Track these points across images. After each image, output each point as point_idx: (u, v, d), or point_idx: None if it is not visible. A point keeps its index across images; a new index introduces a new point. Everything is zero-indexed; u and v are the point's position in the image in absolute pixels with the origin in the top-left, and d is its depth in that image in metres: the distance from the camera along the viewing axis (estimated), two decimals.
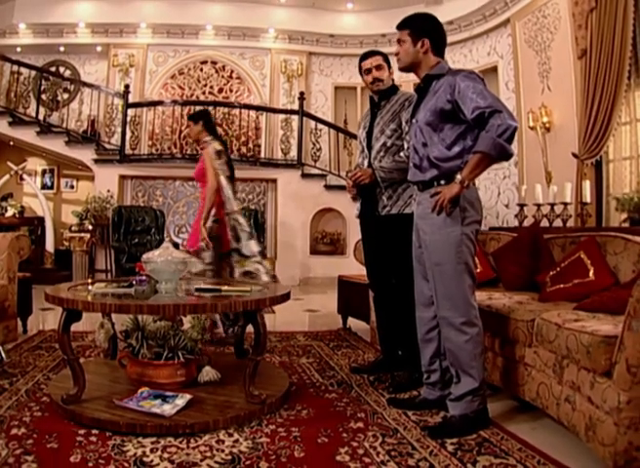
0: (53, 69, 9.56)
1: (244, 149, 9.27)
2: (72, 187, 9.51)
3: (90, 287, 3.10)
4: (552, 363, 2.35)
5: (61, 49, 9.44)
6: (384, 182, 3.17)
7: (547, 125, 6.76)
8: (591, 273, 2.81)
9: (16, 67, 8.73)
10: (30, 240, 8.53)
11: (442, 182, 2.49)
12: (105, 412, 2.44)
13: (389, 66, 3.34)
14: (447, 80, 2.49)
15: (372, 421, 2.56)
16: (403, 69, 2.69)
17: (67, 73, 9.63)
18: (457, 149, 2.48)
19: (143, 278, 3.19)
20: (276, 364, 3.58)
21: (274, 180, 8.73)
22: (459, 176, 2.37)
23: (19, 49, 9.29)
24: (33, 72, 8.90)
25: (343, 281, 4.87)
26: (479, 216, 2.54)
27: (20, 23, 9.00)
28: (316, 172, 8.72)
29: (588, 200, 3.55)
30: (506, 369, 2.74)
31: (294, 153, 8.94)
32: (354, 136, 8.86)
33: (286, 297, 2.78)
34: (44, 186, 9.38)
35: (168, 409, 2.48)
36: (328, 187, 8.60)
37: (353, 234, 8.27)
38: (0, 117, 8.19)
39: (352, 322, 4.85)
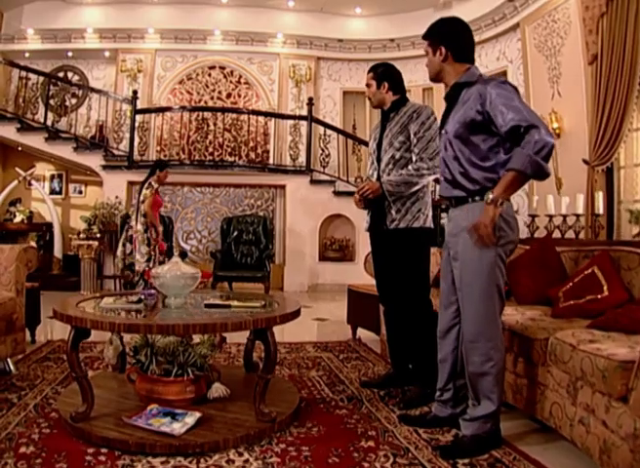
0: (61, 74, 9.62)
1: (252, 155, 9.27)
2: (81, 192, 9.52)
3: (98, 300, 3.10)
4: (566, 383, 2.31)
5: (70, 54, 9.48)
6: (392, 196, 3.14)
7: (557, 131, 6.71)
8: (605, 289, 2.76)
9: (24, 72, 8.76)
10: (38, 245, 8.63)
11: (476, 199, 2.39)
12: (114, 431, 2.42)
13: (383, 80, 3.28)
14: (477, 89, 2.37)
15: (383, 440, 2.54)
16: (433, 80, 2.63)
17: (75, 78, 9.66)
18: (490, 163, 2.36)
19: (152, 292, 3.18)
20: (285, 377, 3.55)
21: (283, 187, 8.71)
22: (490, 195, 2.26)
23: (27, 54, 9.34)
24: (42, 77, 8.93)
25: (353, 291, 4.83)
26: (515, 236, 2.42)
27: (28, 29, 9.05)
28: (325, 178, 8.70)
29: (601, 212, 3.49)
30: (519, 386, 2.70)
31: (302, 158, 8.93)
32: (363, 142, 8.83)
33: (296, 314, 2.75)
34: (52, 191, 9.39)
35: (177, 427, 2.46)
36: (337, 193, 8.58)
37: (362, 240, 8.24)
38: (8, 123, 8.23)
39: (362, 332, 4.82)
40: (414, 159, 3.15)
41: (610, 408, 2.00)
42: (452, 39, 2.51)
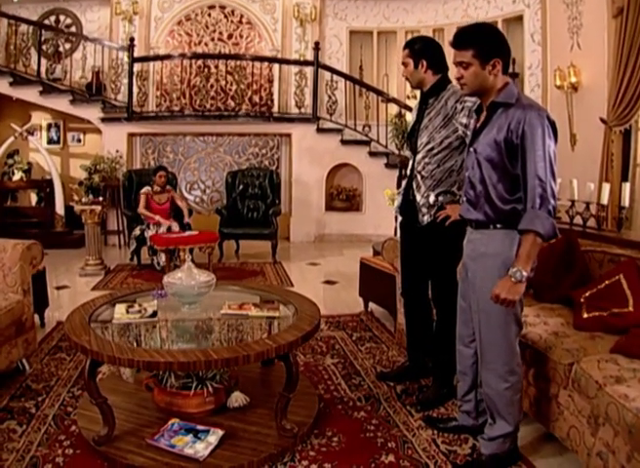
0: (52, 18, 9.08)
1: (256, 98, 8.91)
2: (79, 141, 9.24)
3: (112, 307, 3.04)
4: (588, 414, 2.28)
5: None
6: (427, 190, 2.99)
7: (576, 85, 6.43)
8: (630, 304, 2.70)
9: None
10: (39, 200, 8.47)
11: (498, 226, 2.30)
12: (139, 455, 2.44)
13: (421, 58, 2.96)
14: (516, 115, 2.17)
15: (403, 453, 2.58)
16: (470, 94, 2.40)
17: (68, 21, 9.14)
18: (519, 194, 2.23)
19: (163, 292, 3.14)
20: (301, 365, 3.53)
21: (288, 135, 8.48)
22: (519, 274, 2.13)
23: None
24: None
25: (366, 265, 4.75)
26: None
27: None
28: (332, 126, 8.41)
29: (627, 204, 3.35)
30: (537, 400, 2.69)
31: (307, 102, 8.62)
32: (372, 89, 8.49)
33: (316, 329, 2.73)
34: (50, 141, 9.10)
35: (201, 449, 2.47)
36: (344, 142, 8.34)
37: (369, 190, 8.11)
38: (1, 77, 7.85)
39: (373, 304, 4.79)
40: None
41: (632, 458, 1.97)
42: (505, 50, 2.27)
